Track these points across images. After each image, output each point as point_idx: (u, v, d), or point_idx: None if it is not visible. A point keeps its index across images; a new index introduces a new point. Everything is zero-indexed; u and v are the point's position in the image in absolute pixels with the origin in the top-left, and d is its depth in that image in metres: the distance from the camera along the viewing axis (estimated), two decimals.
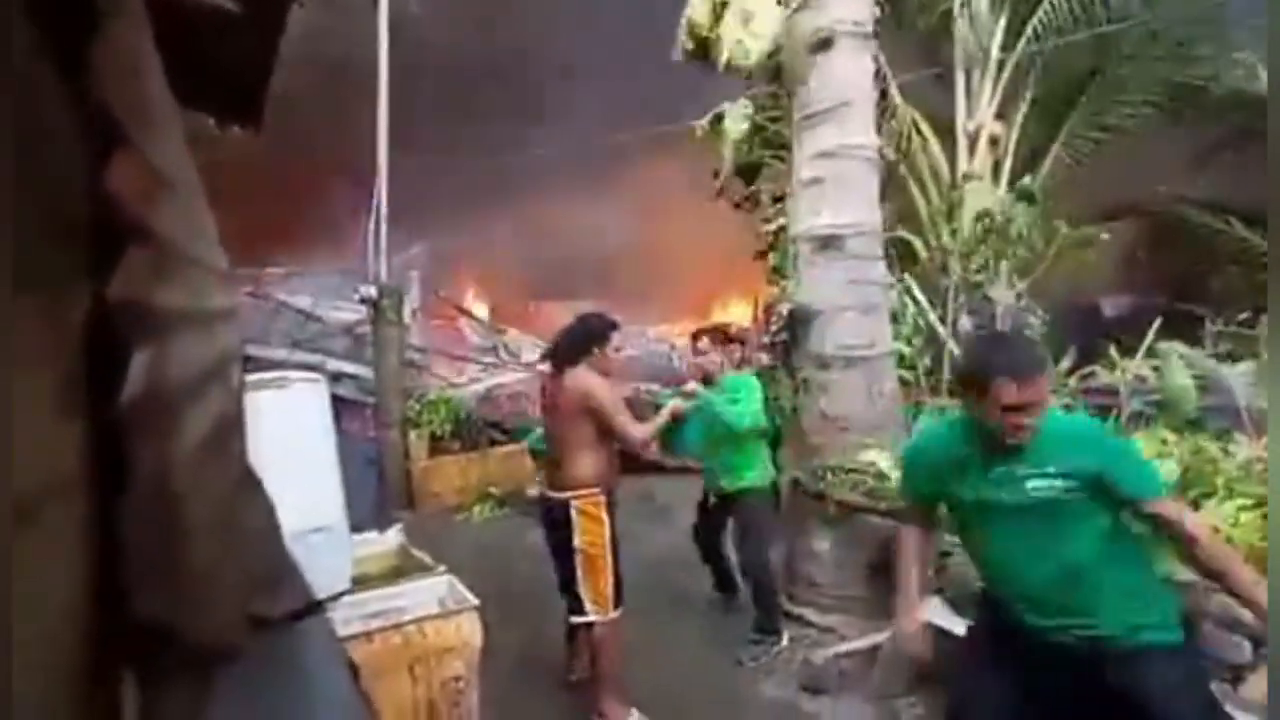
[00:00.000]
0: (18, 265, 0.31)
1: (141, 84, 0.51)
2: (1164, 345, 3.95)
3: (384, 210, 6.60)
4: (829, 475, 3.58)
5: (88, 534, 0.35)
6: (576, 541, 2.68)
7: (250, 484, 0.65)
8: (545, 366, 3.05)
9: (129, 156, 0.44)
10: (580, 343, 2.78)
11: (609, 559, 2.70)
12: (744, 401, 3.29)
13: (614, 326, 2.83)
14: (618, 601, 2.72)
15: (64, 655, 0.30)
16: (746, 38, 3.85)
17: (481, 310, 12.49)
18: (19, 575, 0.27)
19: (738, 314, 11.71)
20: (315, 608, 0.58)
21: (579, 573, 2.69)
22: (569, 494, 2.70)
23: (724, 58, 3.96)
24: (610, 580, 2.69)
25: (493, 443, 6.95)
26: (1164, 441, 2.88)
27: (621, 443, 2.75)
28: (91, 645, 0.33)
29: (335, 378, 6.90)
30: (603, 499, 2.71)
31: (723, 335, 4.10)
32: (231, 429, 0.57)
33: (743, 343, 4.74)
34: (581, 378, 2.70)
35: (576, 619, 2.77)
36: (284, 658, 0.52)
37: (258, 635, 0.51)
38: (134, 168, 0.45)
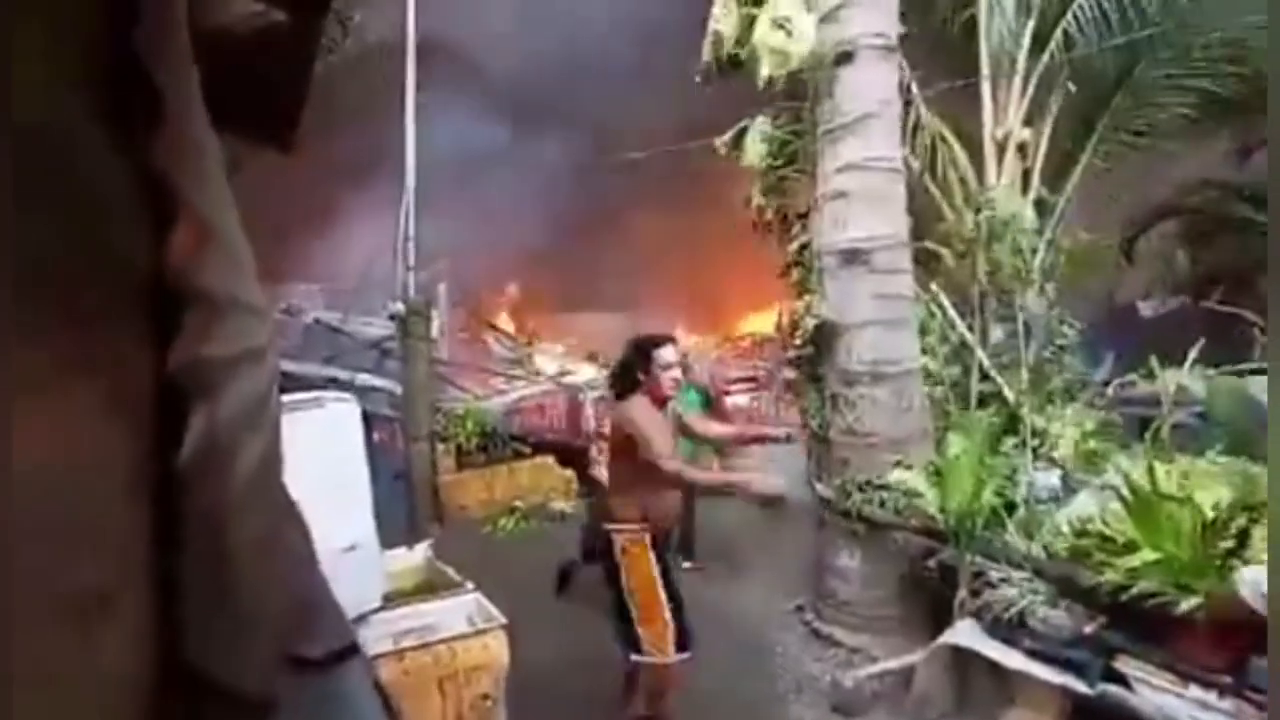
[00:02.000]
0: (80, 338, 0.32)
1: (193, 137, 0.52)
2: (1214, 379, 3.79)
3: (412, 227, 6.73)
4: (857, 492, 3.52)
5: (155, 608, 0.36)
6: (624, 583, 2.57)
7: (290, 514, 0.66)
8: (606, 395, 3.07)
9: (189, 223, 0.45)
10: (627, 370, 2.71)
11: (664, 598, 2.55)
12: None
13: (655, 344, 2.71)
14: (680, 645, 2.55)
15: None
16: (786, 45, 3.75)
17: (514, 321, 12.64)
18: (91, 661, 0.29)
19: (763, 327, 11.65)
20: (354, 648, 0.58)
21: (635, 613, 2.56)
22: (611, 527, 2.61)
23: (763, 69, 3.85)
24: (668, 620, 2.54)
25: (517, 455, 7.00)
26: (1211, 461, 2.76)
27: (658, 472, 2.60)
28: (152, 711, 0.34)
29: (364, 392, 7.03)
30: (646, 538, 2.58)
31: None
32: (273, 460, 0.58)
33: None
34: (625, 407, 2.66)
35: (634, 658, 2.59)
36: (326, 701, 0.53)
37: (299, 678, 0.52)
38: (191, 231, 0.46)
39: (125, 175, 0.43)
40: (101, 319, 0.37)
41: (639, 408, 2.63)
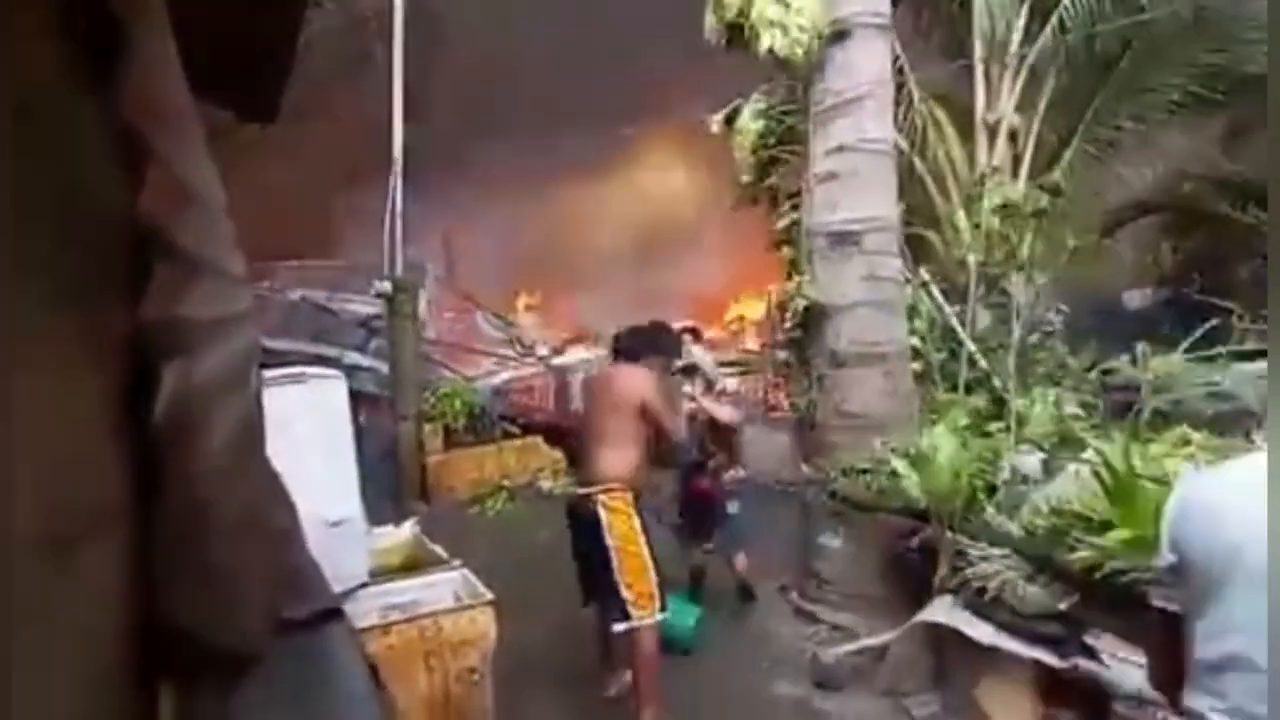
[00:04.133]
0: (56, 288, 0.32)
1: (167, 95, 0.51)
2: (1191, 364, 3.86)
3: (399, 204, 6.65)
4: (842, 474, 3.57)
5: (131, 553, 0.36)
6: (608, 540, 2.58)
7: (273, 483, 0.66)
8: (594, 360, 3.16)
9: (159, 175, 0.44)
10: (647, 346, 2.88)
11: (646, 554, 2.60)
12: None
13: (691, 336, 2.95)
14: (663, 603, 2.60)
15: (103, 669, 0.32)
16: (785, 18, 3.67)
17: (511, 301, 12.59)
18: (62, 602, 0.29)
19: (752, 309, 11.66)
20: (338, 610, 0.59)
21: (618, 573, 2.56)
22: (597, 489, 2.65)
23: (763, 42, 3.76)
24: (653, 577, 2.59)
25: (506, 435, 7.01)
26: (1187, 442, 2.84)
27: (665, 441, 2.76)
28: (130, 658, 0.34)
29: (351, 371, 6.98)
30: (630, 496, 2.67)
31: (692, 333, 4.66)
32: (254, 429, 0.58)
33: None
34: (637, 377, 2.77)
35: (619, 626, 2.61)
36: (309, 660, 0.54)
37: (283, 638, 0.53)
38: (163, 186, 0.45)
39: (98, 126, 0.43)
40: (75, 265, 0.37)
41: (648, 381, 2.74)
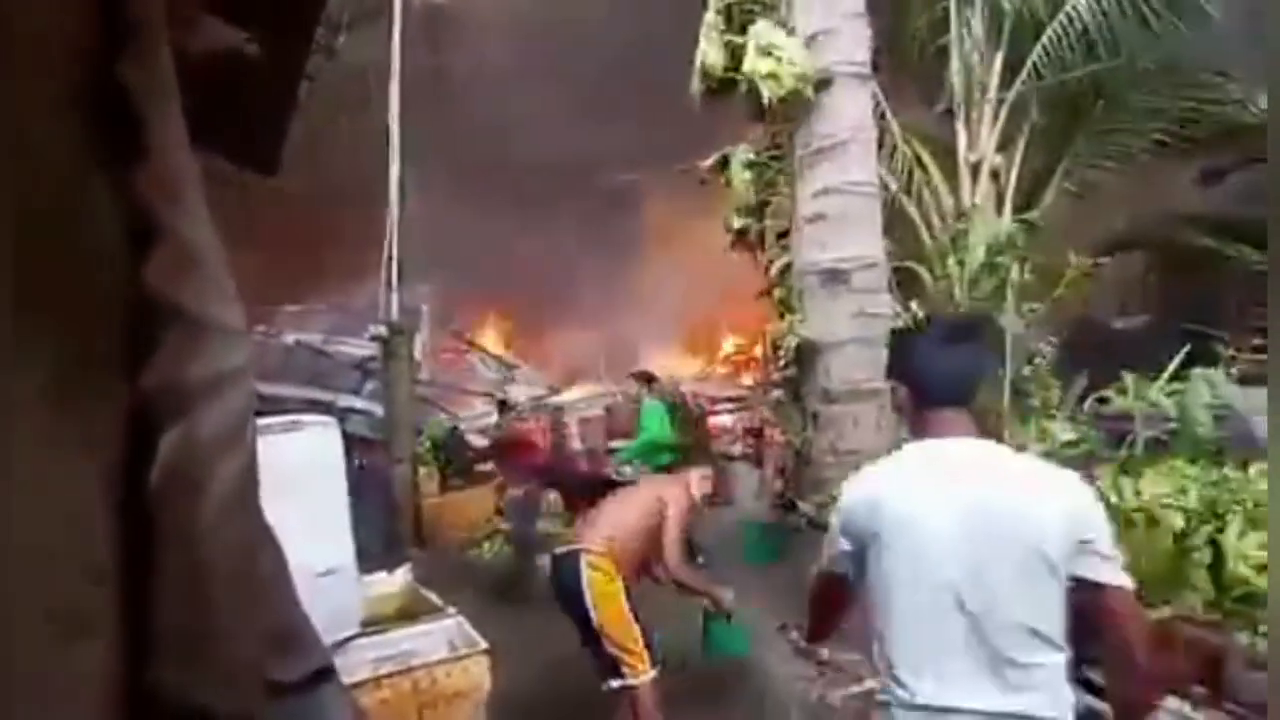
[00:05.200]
0: (55, 369, 0.33)
1: (177, 165, 0.52)
2: (1196, 371, 3.90)
3: (395, 249, 6.73)
4: None
5: (127, 623, 0.36)
6: (589, 604, 2.48)
7: (266, 537, 0.67)
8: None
9: (167, 246, 0.45)
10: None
11: (628, 615, 2.49)
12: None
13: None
14: (654, 658, 2.50)
15: None
16: (779, 70, 3.84)
17: (503, 340, 12.63)
18: (59, 679, 0.29)
19: (750, 347, 11.73)
20: (329, 669, 0.58)
21: (602, 635, 2.47)
22: (578, 546, 2.57)
23: (764, 93, 3.92)
24: (637, 637, 2.48)
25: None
26: (1183, 475, 2.83)
27: (656, 556, 2.69)
28: None
29: (345, 414, 6.95)
30: (614, 559, 2.54)
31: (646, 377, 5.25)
32: (249, 483, 0.58)
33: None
34: (677, 485, 2.76)
35: (613, 683, 2.50)
36: None
37: (275, 701, 0.52)
38: (171, 256, 0.46)
39: (108, 202, 0.44)
40: (76, 343, 0.38)
41: (686, 497, 2.70)
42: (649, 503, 2.69)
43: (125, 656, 0.35)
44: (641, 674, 2.46)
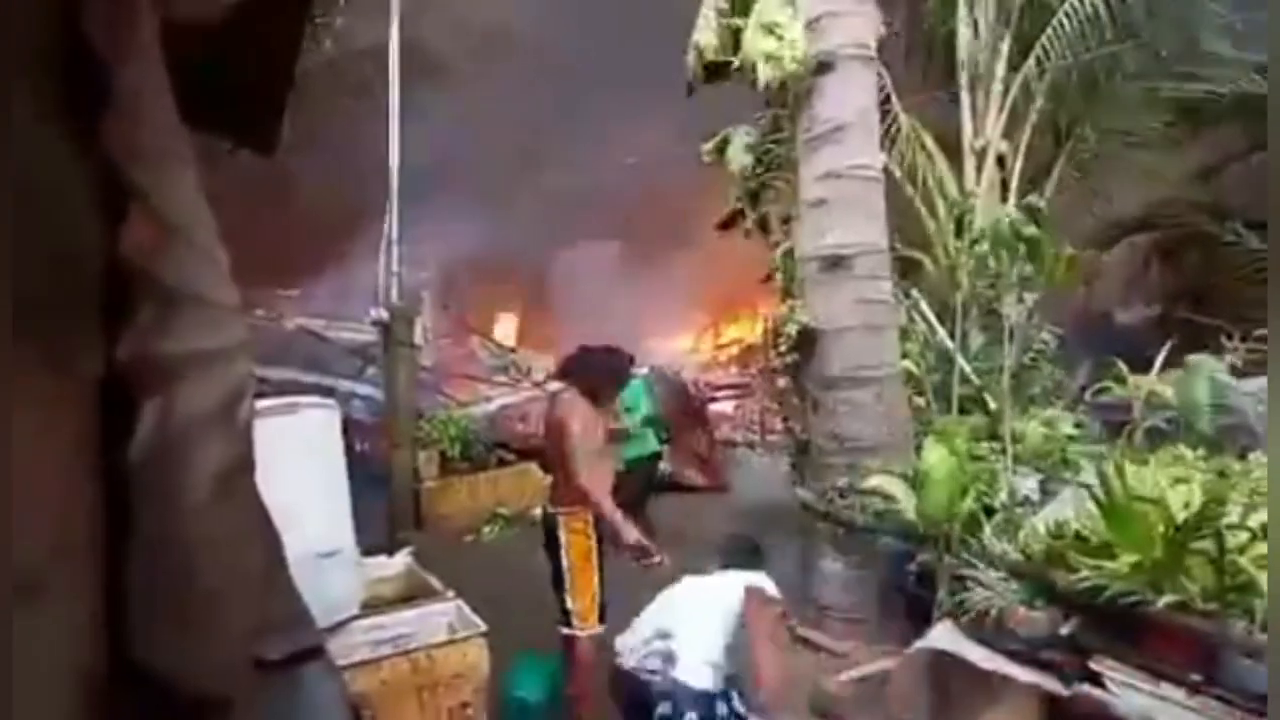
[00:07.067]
0: (27, 327, 0.32)
1: (154, 132, 0.51)
2: (1194, 358, 3.89)
3: (395, 232, 6.69)
4: (839, 497, 3.55)
5: (102, 595, 0.35)
6: (563, 558, 2.80)
7: (258, 519, 0.66)
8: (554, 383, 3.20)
9: (142, 215, 0.44)
10: (592, 373, 2.94)
11: (594, 576, 2.79)
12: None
13: (620, 366, 3.04)
14: (601, 617, 2.78)
15: (71, 713, 0.31)
16: (779, 50, 3.78)
17: (508, 326, 12.60)
18: (26, 641, 0.28)
19: (747, 332, 11.70)
20: (318, 649, 0.58)
21: (566, 586, 2.78)
22: (558, 510, 2.83)
23: (761, 75, 3.87)
24: (594, 594, 2.78)
25: (501, 462, 6.96)
26: (1184, 463, 2.83)
27: (569, 479, 2.81)
28: (99, 701, 0.34)
29: (346, 398, 6.96)
30: (590, 518, 2.80)
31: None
32: (240, 464, 0.57)
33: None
34: (568, 405, 2.84)
35: (565, 631, 2.83)
36: (285, 702, 0.53)
37: (260, 678, 0.52)
38: (146, 226, 0.45)
39: (77, 165, 0.43)
40: (52, 309, 0.37)
41: (577, 414, 2.80)
42: (551, 434, 2.90)
43: (100, 624, 0.35)
44: (590, 627, 2.75)
